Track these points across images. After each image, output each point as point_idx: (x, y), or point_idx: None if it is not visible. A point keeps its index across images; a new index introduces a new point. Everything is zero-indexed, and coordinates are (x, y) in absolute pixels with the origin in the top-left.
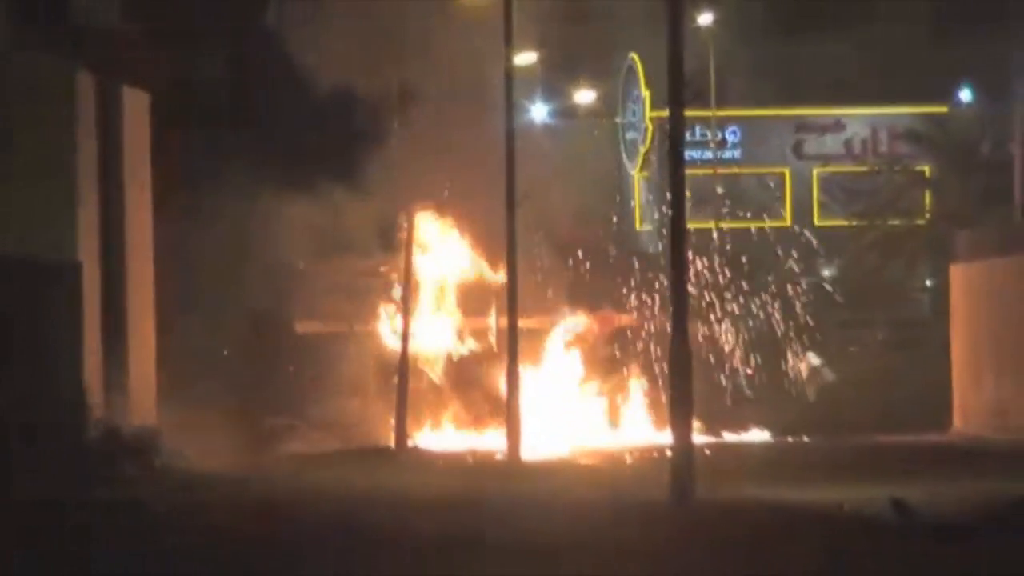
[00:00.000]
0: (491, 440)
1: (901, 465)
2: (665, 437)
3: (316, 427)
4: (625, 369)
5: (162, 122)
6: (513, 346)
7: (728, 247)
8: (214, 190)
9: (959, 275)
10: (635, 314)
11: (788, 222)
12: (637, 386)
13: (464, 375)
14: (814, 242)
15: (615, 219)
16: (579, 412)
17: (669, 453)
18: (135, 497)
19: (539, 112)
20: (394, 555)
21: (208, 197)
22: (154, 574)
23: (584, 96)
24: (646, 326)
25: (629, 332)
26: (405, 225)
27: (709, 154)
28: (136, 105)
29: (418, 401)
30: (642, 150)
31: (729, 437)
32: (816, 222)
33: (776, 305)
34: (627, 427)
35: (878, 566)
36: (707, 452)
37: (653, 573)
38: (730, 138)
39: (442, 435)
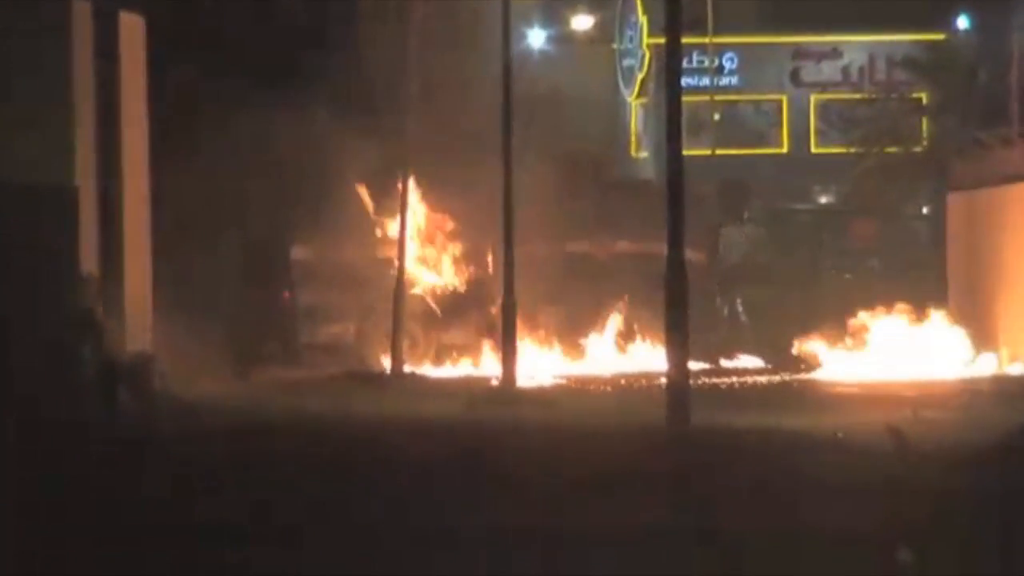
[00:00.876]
0: (487, 367)
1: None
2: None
3: (312, 352)
4: (625, 296)
5: (159, 46)
6: (509, 273)
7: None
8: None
9: (956, 203)
10: (635, 241)
11: (785, 149)
12: (636, 313)
13: (461, 301)
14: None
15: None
16: (580, 339)
17: (665, 380)
18: (139, 424)
19: (537, 38)
20: (398, 478)
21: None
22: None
23: (582, 22)
24: (644, 253)
25: (628, 259)
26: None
27: (706, 81)
28: (132, 29)
29: (415, 327)
30: (639, 77)
31: (725, 364)
32: (813, 149)
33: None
34: (627, 354)
35: (873, 492)
36: (703, 379)
37: (649, 499)
38: (727, 65)
39: (438, 362)
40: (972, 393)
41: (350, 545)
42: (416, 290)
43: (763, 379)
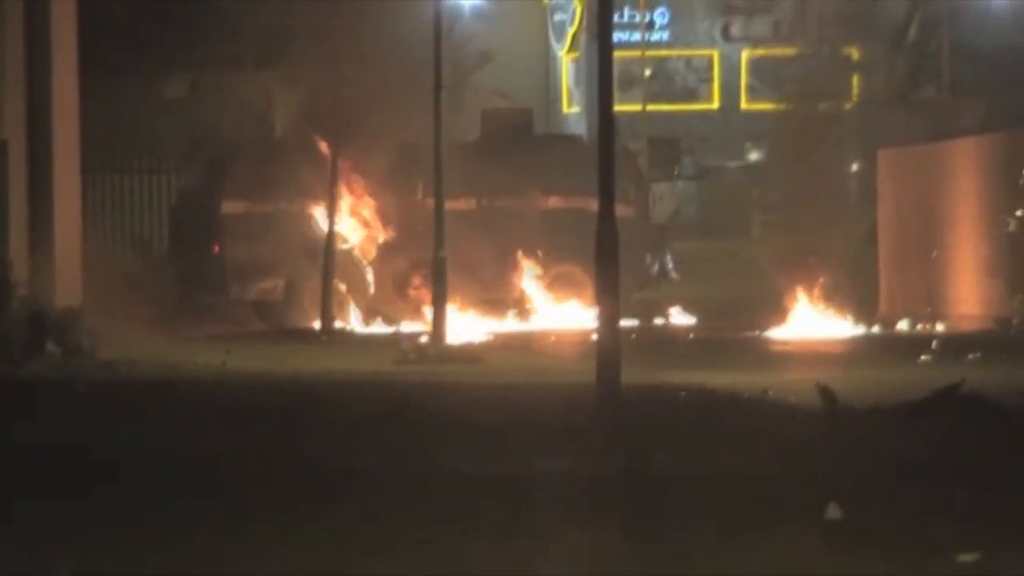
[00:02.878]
0: (418, 324)
1: (826, 351)
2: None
3: (242, 308)
4: (552, 252)
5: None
6: (439, 230)
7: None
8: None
9: (887, 160)
10: (566, 197)
11: (716, 105)
12: (567, 269)
13: (390, 257)
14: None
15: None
16: (509, 297)
17: (595, 337)
18: (56, 376)
19: None
20: (318, 431)
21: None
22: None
23: None
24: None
25: (559, 215)
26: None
27: (637, 36)
28: None
29: (347, 283)
30: (570, 31)
31: (656, 321)
32: (744, 105)
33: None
34: (559, 311)
35: (804, 449)
36: (633, 336)
37: (577, 463)
38: (658, 20)
39: (369, 318)
40: (899, 350)
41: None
42: (345, 246)
43: (694, 336)
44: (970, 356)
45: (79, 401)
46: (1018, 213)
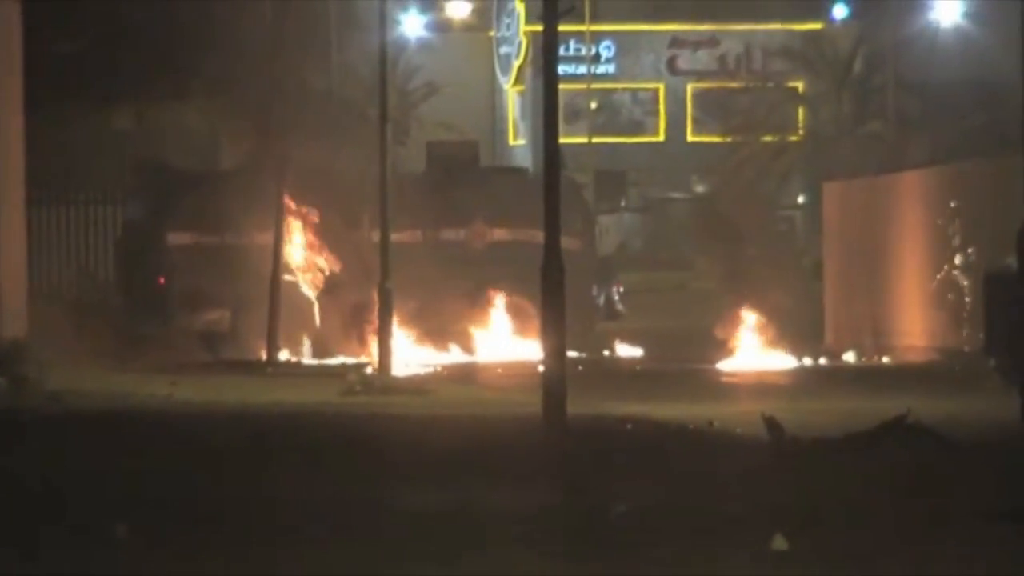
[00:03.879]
0: (364, 356)
1: (772, 383)
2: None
3: (188, 339)
4: (501, 284)
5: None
6: (385, 261)
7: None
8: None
9: (832, 192)
10: (512, 229)
11: (662, 138)
12: (514, 301)
13: (336, 289)
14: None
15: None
16: (455, 328)
17: (541, 369)
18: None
19: (414, 25)
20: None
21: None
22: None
23: (458, 9)
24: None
25: (505, 247)
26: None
27: (583, 69)
28: (8, 16)
29: (293, 314)
30: (516, 64)
31: (603, 353)
32: (689, 138)
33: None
34: (503, 343)
35: (750, 480)
36: (579, 368)
37: (525, 494)
38: (604, 53)
39: (316, 349)
40: (844, 381)
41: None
42: (291, 278)
43: (640, 368)
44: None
45: (23, 432)
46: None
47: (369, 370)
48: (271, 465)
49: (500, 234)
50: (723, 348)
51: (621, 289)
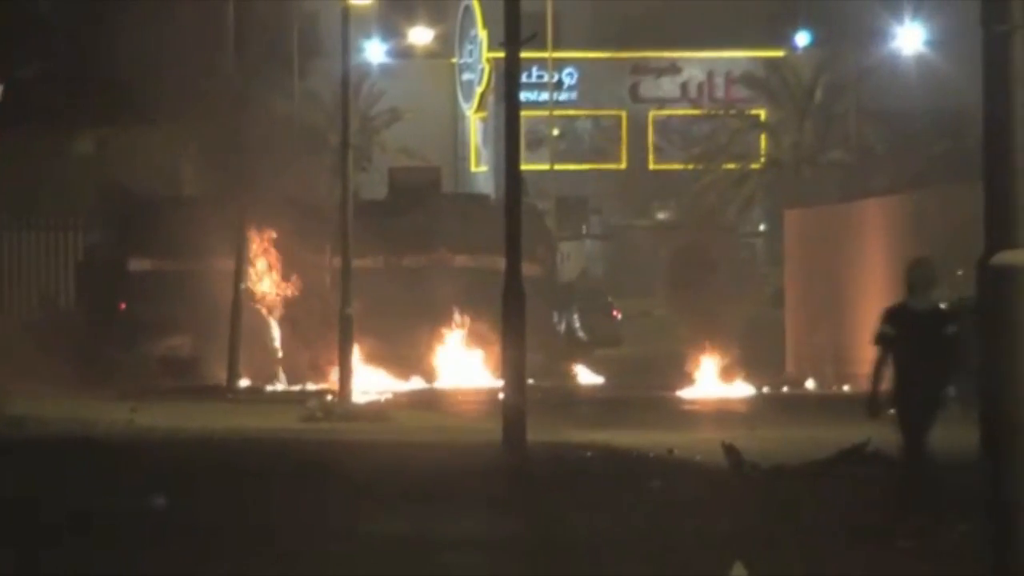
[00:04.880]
0: (324, 382)
1: (732, 411)
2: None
3: (149, 365)
4: (459, 310)
5: None
6: (346, 287)
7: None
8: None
9: (793, 220)
10: (473, 255)
11: (624, 165)
12: (475, 327)
13: (298, 315)
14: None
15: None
16: (416, 355)
17: (502, 396)
18: None
19: (376, 52)
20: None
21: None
22: None
23: (420, 35)
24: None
25: (466, 273)
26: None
27: (545, 96)
28: None
29: (254, 341)
30: (478, 91)
31: (565, 381)
32: (652, 165)
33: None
34: (464, 370)
35: (709, 508)
36: (540, 395)
37: (483, 521)
38: (566, 80)
39: (277, 376)
40: (805, 410)
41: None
42: (256, 304)
43: (603, 395)
44: None
45: None
46: None
47: (329, 397)
48: (224, 491)
49: (462, 260)
50: (685, 376)
51: (619, 316)
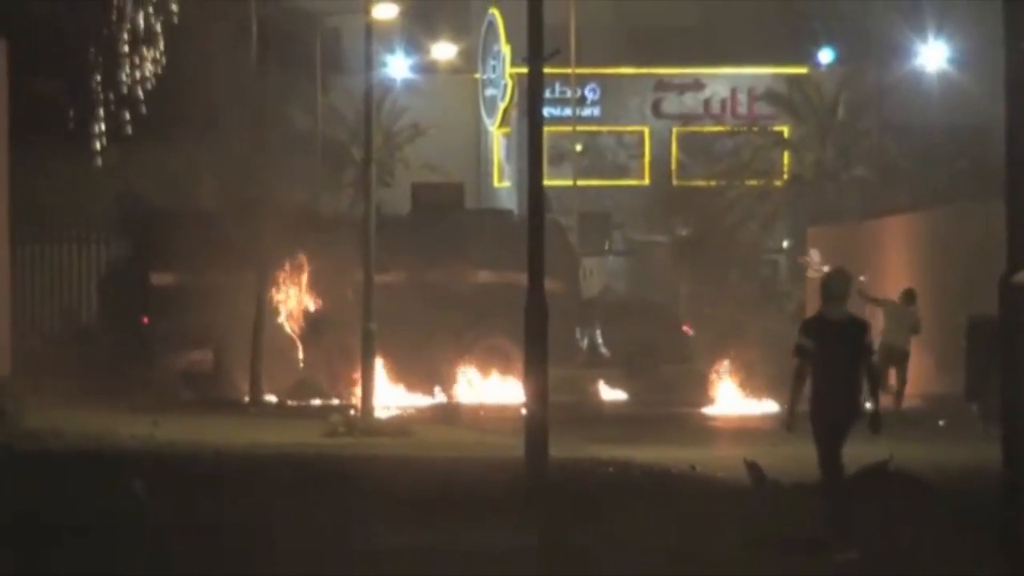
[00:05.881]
0: (348, 397)
1: (755, 427)
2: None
3: (171, 379)
4: (481, 326)
5: (20, 69)
6: (369, 303)
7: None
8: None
9: (816, 237)
10: (495, 270)
11: (646, 181)
12: (497, 343)
13: (321, 330)
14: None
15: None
16: (440, 369)
17: (524, 411)
18: None
19: (400, 66)
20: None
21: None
22: None
23: (444, 51)
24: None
25: (489, 289)
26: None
27: (568, 111)
28: None
29: (276, 355)
30: (501, 106)
31: (585, 395)
32: (674, 181)
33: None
34: (486, 385)
35: (730, 525)
36: (562, 410)
37: (505, 536)
38: (589, 96)
39: (301, 390)
40: None
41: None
42: (278, 319)
43: (625, 411)
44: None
45: None
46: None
47: (352, 411)
48: (246, 504)
49: (484, 276)
50: (706, 392)
51: (691, 332)
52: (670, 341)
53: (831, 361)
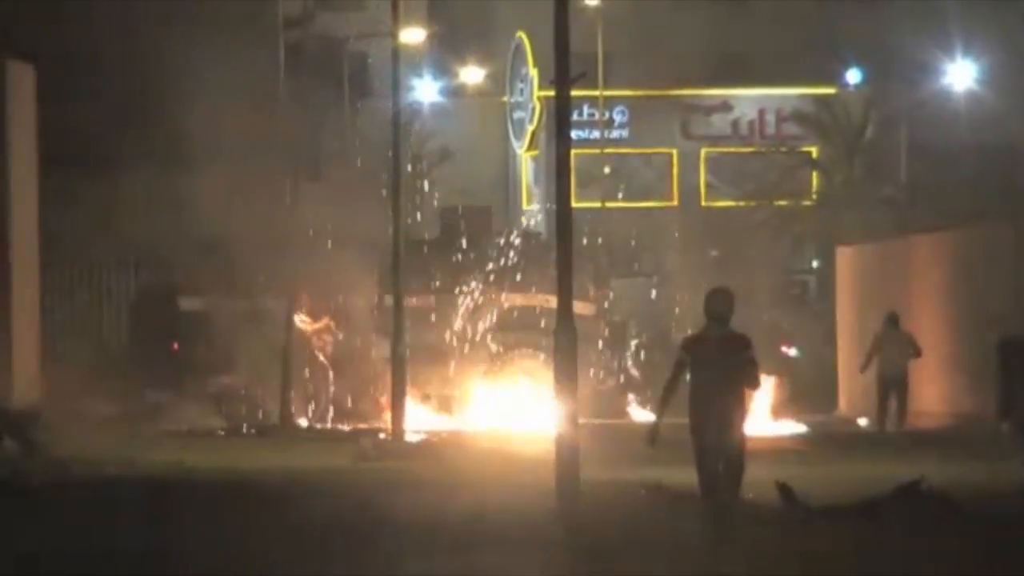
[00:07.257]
0: (378, 420)
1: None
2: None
3: (202, 404)
4: (516, 349)
5: (48, 96)
6: (399, 326)
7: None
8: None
9: (845, 257)
10: (526, 294)
11: (675, 202)
12: (527, 366)
13: (348, 353)
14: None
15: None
16: (467, 393)
17: (555, 434)
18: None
19: (428, 91)
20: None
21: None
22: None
23: (472, 75)
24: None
25: (520, 312)
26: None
27: (596, 134)
28: (22, 79)
29: (306, 380)
30: (529, 129)
31: (616, 420)
32: (703, 203)
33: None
34: (517, 408)
35: (762, 549)
36: (594, 432)
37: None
38: (617, 118)
39: (330, 414)
40: (858, 447)
41: None
42: (308, 344)
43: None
44: None
45: (23, 500)
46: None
47: (382, 435)
48: (276, 536)
49: (513, 299)
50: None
51: (793, 352)
52: (766, 360)
53: (705, 381)
